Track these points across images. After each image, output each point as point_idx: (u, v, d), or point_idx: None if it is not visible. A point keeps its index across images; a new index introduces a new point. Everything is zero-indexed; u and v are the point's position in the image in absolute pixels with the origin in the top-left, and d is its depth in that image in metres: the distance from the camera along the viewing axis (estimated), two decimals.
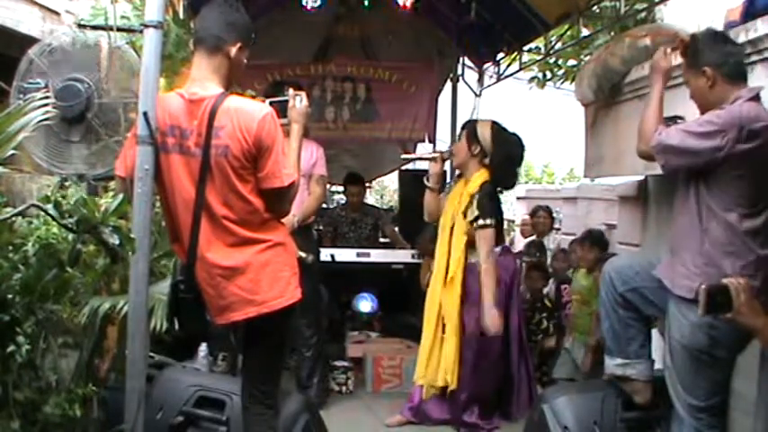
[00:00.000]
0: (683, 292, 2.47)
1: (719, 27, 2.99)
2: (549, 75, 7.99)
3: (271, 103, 2.43)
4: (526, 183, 13.77)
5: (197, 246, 2.30)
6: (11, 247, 2.47)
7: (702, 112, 2.61)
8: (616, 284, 2.78)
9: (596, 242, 4.62)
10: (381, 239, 6.03)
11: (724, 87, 2.47)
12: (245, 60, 2.45)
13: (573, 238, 5.81)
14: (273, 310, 2.32)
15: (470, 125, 4.10)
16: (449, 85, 7.06)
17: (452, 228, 3.90)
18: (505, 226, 9.33)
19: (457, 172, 4.24)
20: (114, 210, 2.34)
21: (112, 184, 2.62)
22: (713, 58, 2.49)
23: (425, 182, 4.09)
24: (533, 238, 6.52)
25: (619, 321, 2.80)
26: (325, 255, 4.66)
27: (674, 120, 2.78)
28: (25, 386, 2.56)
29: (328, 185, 5.70)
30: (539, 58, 6.74)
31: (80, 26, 3.32)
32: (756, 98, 2.46)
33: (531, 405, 3.75)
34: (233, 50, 2.34)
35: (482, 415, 3.87)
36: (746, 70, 2.54)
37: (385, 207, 8.38)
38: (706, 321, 2.35)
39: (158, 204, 2.50)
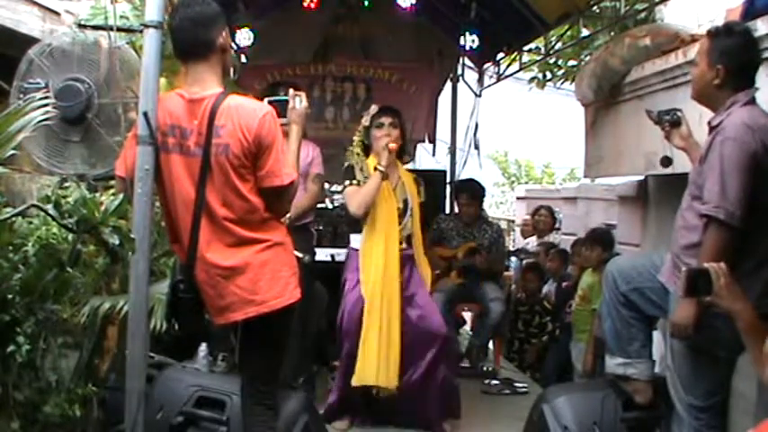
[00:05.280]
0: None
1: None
2: (549, 75, 7.99)
3: (270, 103, 2.43)
4: (526, 183, 13.78)
5: (197, 246, 2.30)
6: (11, 247, 2.47)
7: (695, 99, 2.61)
8: (618, 284, 2.78)
9: (598, 241, 4.62)
10: None
11: (728, 92, 2.45)
12: (241, 54, 2.43)
13: (573, 238, 5.83)
14: (273, 310, 2.32)
15: (400, 114, 3.90)
16: (449, 85, 7.06)
17: (401, 213, 3.72)
18: (505, 226, 9.41)
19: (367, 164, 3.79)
20: (114, 210, 2.35)
21: (112, 184, 2.62)
22: (733, 63, 2.43)
23: (382, 169, 3.61)
24: (533, 237, 6.53)
25: (620, 321, 2.80)
26: (325, 255, 4.66)
27: (669, 113, 2.77)
28: (25, 386, 2.56)
29: (327, 185, 5.68)
30: (539, 58, 6.75)
31: (80, 26, 3.31)
32: (752, 101, 2.46)
33: None
34: (222, 42, 2.34)
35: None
36: (755, 80, 2.50)
37: None
38: (707, 322, 2.35)
39: (158, 204, 2.50)
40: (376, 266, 3.64)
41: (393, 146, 3.65)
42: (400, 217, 3.74)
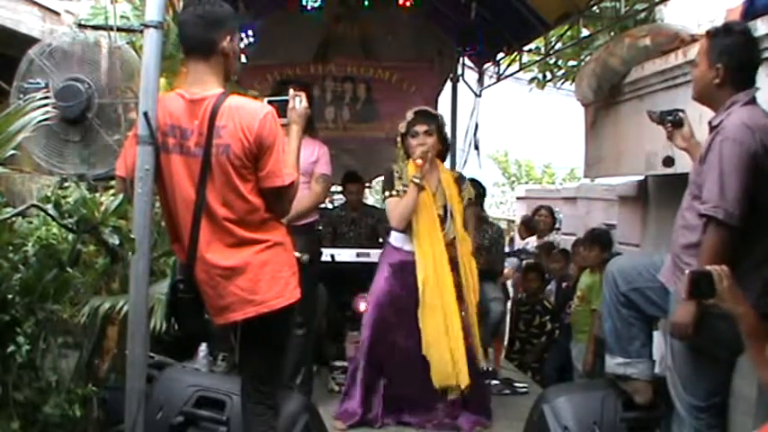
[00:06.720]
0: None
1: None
2: (548, 75, 7.99)
3: (270, 102, 2.43)
4: (526, 183, 13.78)
5: (197, 246, 2.30)
6: (11, 247, 2.47)
7: (696, 99, 2.61)
8: (619, 284, 2.78)
9: (596, 241, 4.63)
10: (381, 239, 6.03)
11: (729, 91, 2.45)
12: (242, 54, 2.43)
13: (573, 238, 5.83)
14: (273, 310, 2.32)
15: (437, 118, 3.86)
16: (449, 85, 7.06)
17: (442, 219, 3.70)
18: (505, 226, 9.40)
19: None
20: (114, 210, 2.34)
21: (112, 184, 2.62)
22: (733, 62, 2.43)
23: (417, 181, 3.59)
24: (533, 237, 6.53)
25: (621, 320, 2.80)
26: (325, 255, 4.66)
27: (672, 113, 2.77)
28: (25, 386, 2.55)
29: None
30: (539, 58, 6.76)
31: (80, 26, 3.31)
32: (753, 101, 2.45)
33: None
34: (226, 45, 2.33)
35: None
36: (756, 80, 2.50)
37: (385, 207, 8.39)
38: (707, 323, 2.35)
39: (158, 204, 2.50)
40: (425, 276, 3.63)
41: (420, 162, 3.56)
42: (442, 224, 3.68)
